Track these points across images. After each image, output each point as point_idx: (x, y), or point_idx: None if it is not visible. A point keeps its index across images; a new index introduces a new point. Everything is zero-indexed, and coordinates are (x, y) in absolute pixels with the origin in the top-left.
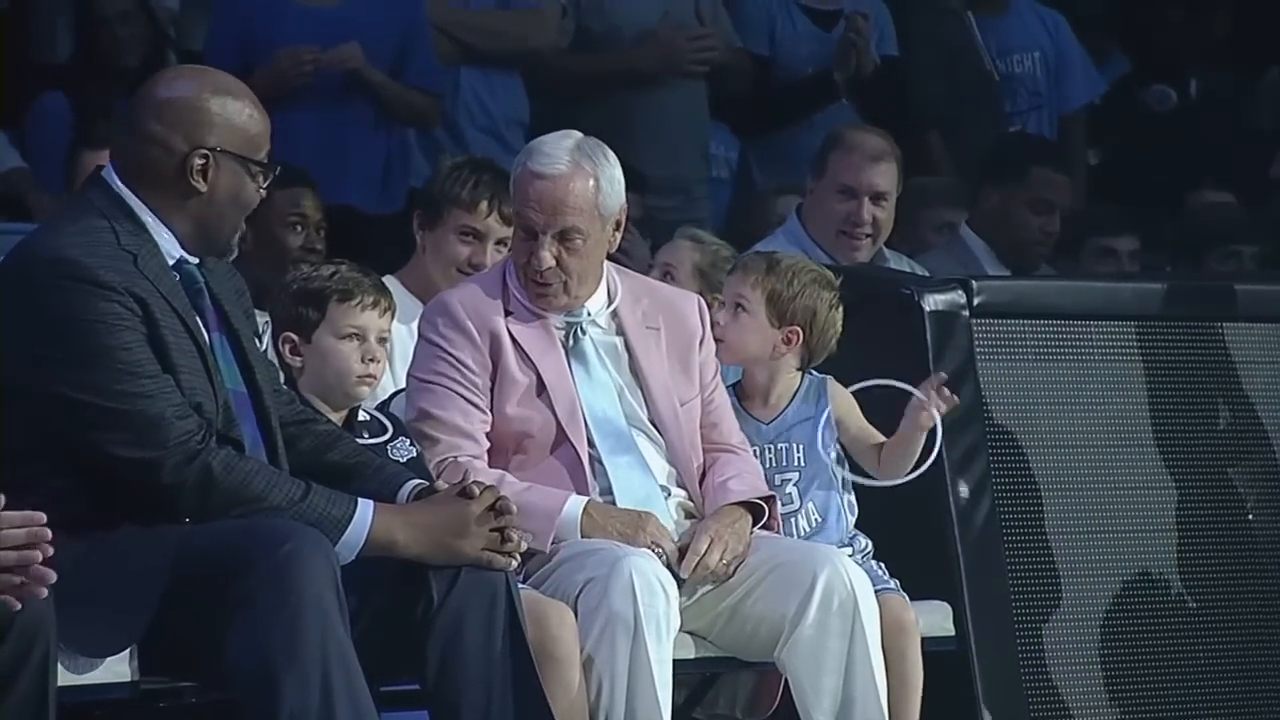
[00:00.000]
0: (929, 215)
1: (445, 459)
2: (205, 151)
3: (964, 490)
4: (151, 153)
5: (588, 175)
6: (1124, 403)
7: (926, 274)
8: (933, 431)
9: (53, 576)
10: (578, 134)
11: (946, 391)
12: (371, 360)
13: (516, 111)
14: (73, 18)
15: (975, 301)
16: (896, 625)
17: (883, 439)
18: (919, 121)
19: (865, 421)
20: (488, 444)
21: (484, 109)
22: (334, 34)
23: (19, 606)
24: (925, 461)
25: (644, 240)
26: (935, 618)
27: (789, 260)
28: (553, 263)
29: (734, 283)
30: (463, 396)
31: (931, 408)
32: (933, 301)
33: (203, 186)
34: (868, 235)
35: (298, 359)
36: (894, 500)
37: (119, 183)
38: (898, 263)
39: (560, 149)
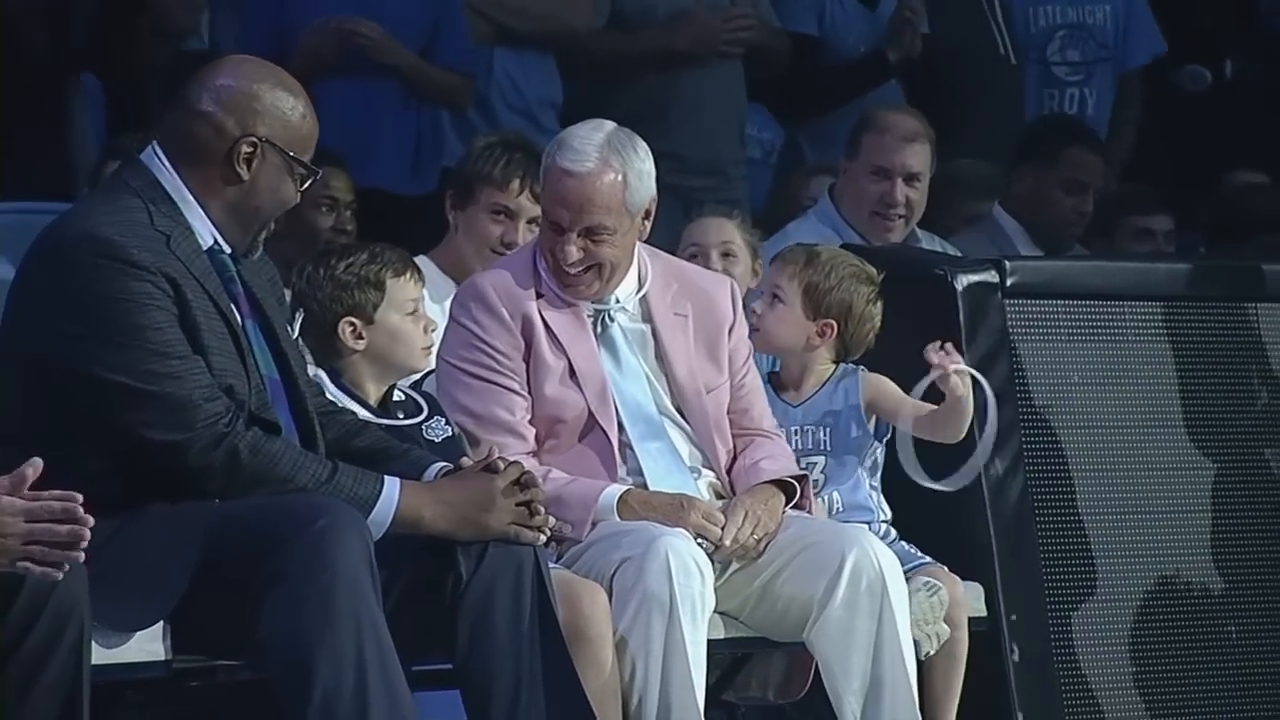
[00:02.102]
0: (959, 206)
1: None
2: (254, 139)
3: (997, 470)
4: (202, 132)
5: (615, 171)
6: (1157, 383)
7: (959, 254)
8: (979, 390)
9: (79, 557)
10: (609, 125)
11: (948, 348)
12: (430, 330)
13: (550, 92)
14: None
15: (1008, 282)
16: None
17: (931, 407)
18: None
19: (903, 396)
20: (533, 433)
21: (517, 90)
22: (365, 12)
23: (60, 575)
24: (986, 424)
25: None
26: (967, 598)
27: (829, 253)
28: (579, 257)
29: (773, 273)
30: (503, 387)
31: (951, 373)
32: (966, 282)
33: (245, 175)
34: (900, 216)
35: (361, 342)
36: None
37: (160, 163)
38: (930, 243)
39: (589, 144)
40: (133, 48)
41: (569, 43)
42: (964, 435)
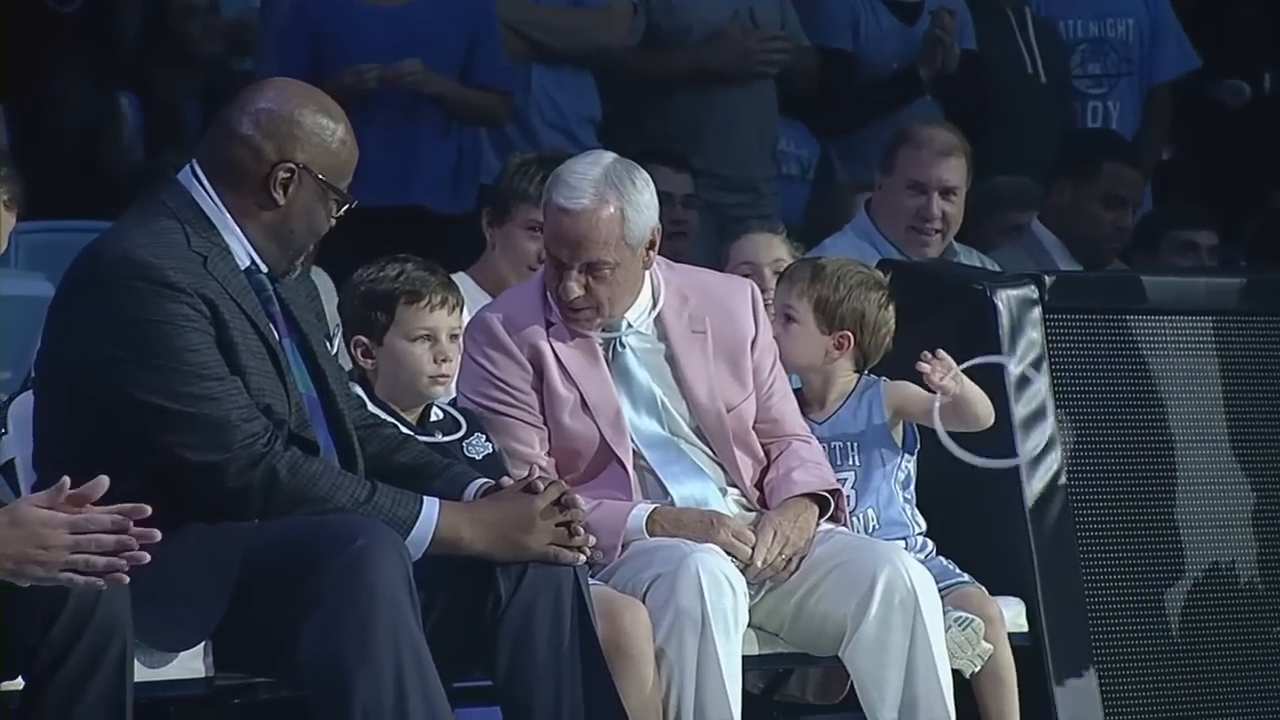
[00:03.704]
0: (997, 220)
1: None
2: (292, 166)
3: (1037, 485)
4: (241, 155)
5: (612, 206)
6: (1197, 398)
7: (998, 269)
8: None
9: (145, 558)
10: (608, 158)
11: (939, 355)
12: (444, 360)
13: (588, 109)
14: (140, 15)
15: (1047, 297)
16: (983, 618)
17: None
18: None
19: (925, 394)
20: (552, 463)
21: (555, 107)
22: (403, 33)
23: (103, 585)
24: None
25: (704, 223)
26: (1008, 614)
27: (834, 265)
28: (580, 293)
29: (780, 293)
30: (518, 420)
31: (949, 387)
32: (1005, 297)
33: (281, 200)
34: (937, 230)
35: (370, 362)
36: (967, 495)
37: (198, 183)
38: (968, 257)
39: (585, 179)
40: (169, 66)
41: (603, 61)
42: (990, 419)
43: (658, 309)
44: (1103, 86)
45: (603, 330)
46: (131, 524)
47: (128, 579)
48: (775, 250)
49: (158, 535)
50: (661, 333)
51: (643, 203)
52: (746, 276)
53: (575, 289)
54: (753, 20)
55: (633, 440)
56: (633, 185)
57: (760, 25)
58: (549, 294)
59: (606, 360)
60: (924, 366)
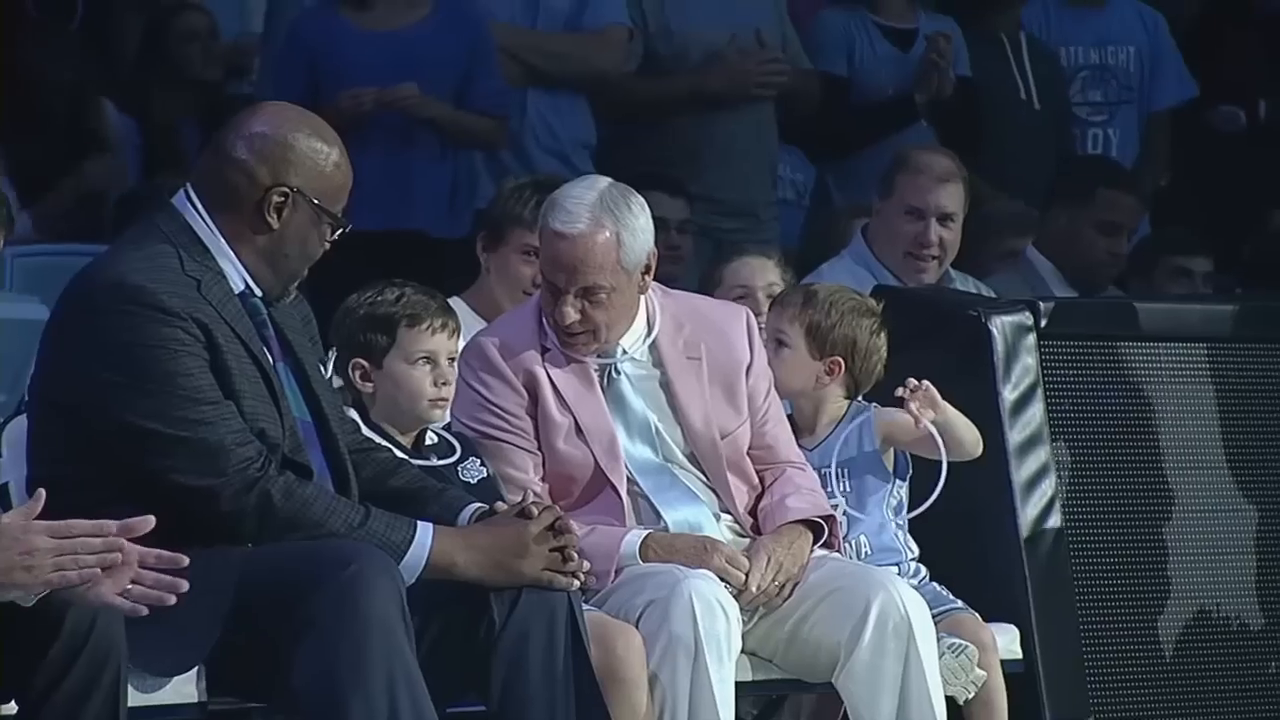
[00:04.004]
0: (994, 244)
1: None
2: (286, 190)
3: (1032, 512)
4: (235, 179)
5: (608, 231)
6: (1192, 425)
7: (993, 295)
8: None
9: (182, 585)
10: (603, 183)
11: (924, 387)
12: (444, 383)
13: (583, 134)
14: (139, 39)
15: (1043, 323)
16: (976, 644)
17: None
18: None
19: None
20: (546, 489)
21: (551, 132)
22: (399, 57)
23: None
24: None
25: (700, 248)
26: (1002, 640)
27: (826, 291)
28: (576, 318)
29: (772, 319)
30: (513, 445)
31: (914, 409)
32: (1000, 323)
33: (275, 224)
34: (934, 257)
35: (369, 385)
36: (961, 521)
37: (192, 207)
38: (964, 284)
39: (581, 204)
40: (168, 90)
41: (599, 85)
42: (978, 448)
43: (653, 335)
44: (1103, 114)
45: (598, 356)
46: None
47: (145, 610)
48: (768, 274)
49: (184, 560)
50: (657, 359)
51: (638, 227)
52: (740, 300)
53: (571, 314)
54: (759, 40)
55: (626, 466)
56: (628, 210)
57: (766, 45)
58: (545, 319)
59: (601, 386)
60: (902, 393)
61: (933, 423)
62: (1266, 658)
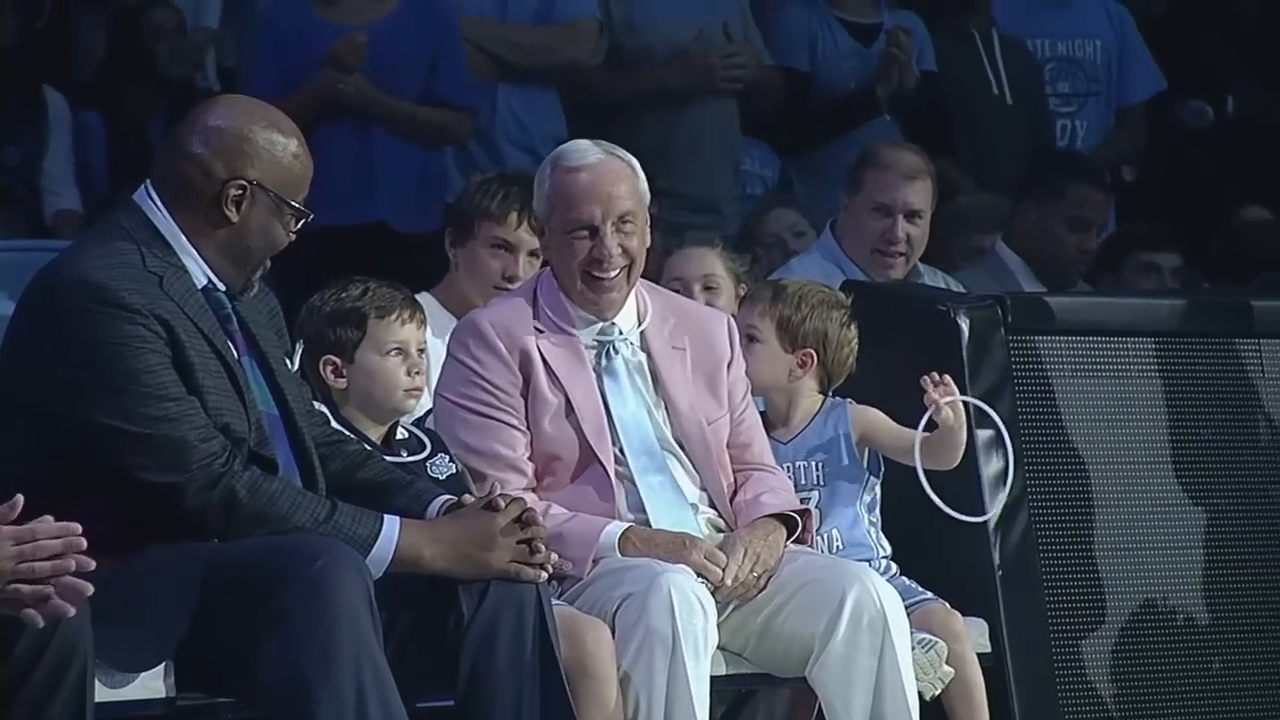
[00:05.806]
0: (962, 240)
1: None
2: (243, 183)
3: (1000, 505)
4: (192, 174)
5: (624, 163)
6: (1160, 418)
7: (962, 290)
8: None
9: (88, 589)
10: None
11: (946, 380)
12: (416, 373)
13: (554, 128)
14: (108, 35)
15: (1011, 318)
16: (948, 634)
17: (923, 434)
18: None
19: (897, 427)
20: (533, 468)
21: (521, 125)
22: (369, 51)
23: (41, 623)
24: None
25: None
26: (971, 634)
27: (795, 285)
28: (619, 251)
29: (743, 314)
30: (502, 422)
31: (944, 405)
32: (969, 318)
33: (235, 217)
34: (902, 253)
35: (341, 381)
36: (930, 516)
37: (152, 204)
38: (933, 279)
39: (587, 145)
40: (136, 87)
41: (570, 79)
42: (958, 462)
43: (644, 324)
44: (1071, 105)
45: (596, 334)
46: (76, 547)
47: (73, 610)
48: (706, 264)
49: (91, 564)
50: (645, 346)
51: (639, 167)
52: (676, 293)
53: (615, 246)
54: (726, 35)
55: (617, 446)
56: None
57: (733, 40)
58: (549, 288)
59: (596, 366)
60: (929, 388)
61: (941, 420)
62: (1233, 650)
